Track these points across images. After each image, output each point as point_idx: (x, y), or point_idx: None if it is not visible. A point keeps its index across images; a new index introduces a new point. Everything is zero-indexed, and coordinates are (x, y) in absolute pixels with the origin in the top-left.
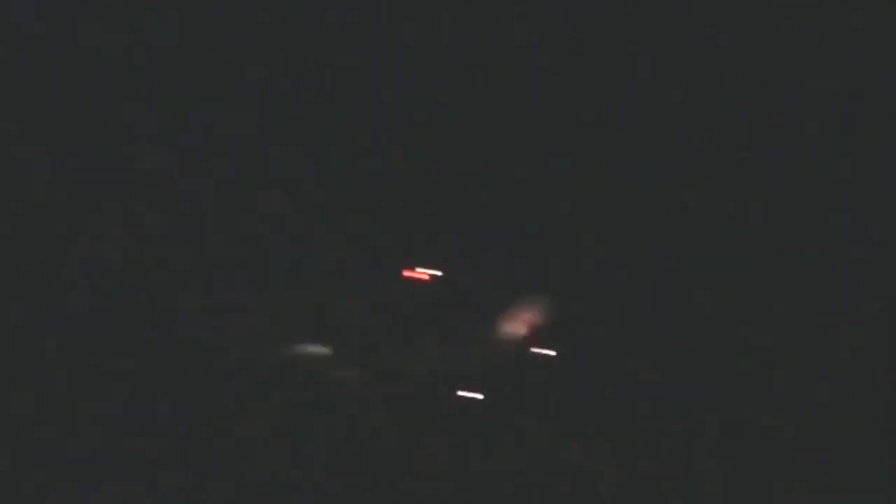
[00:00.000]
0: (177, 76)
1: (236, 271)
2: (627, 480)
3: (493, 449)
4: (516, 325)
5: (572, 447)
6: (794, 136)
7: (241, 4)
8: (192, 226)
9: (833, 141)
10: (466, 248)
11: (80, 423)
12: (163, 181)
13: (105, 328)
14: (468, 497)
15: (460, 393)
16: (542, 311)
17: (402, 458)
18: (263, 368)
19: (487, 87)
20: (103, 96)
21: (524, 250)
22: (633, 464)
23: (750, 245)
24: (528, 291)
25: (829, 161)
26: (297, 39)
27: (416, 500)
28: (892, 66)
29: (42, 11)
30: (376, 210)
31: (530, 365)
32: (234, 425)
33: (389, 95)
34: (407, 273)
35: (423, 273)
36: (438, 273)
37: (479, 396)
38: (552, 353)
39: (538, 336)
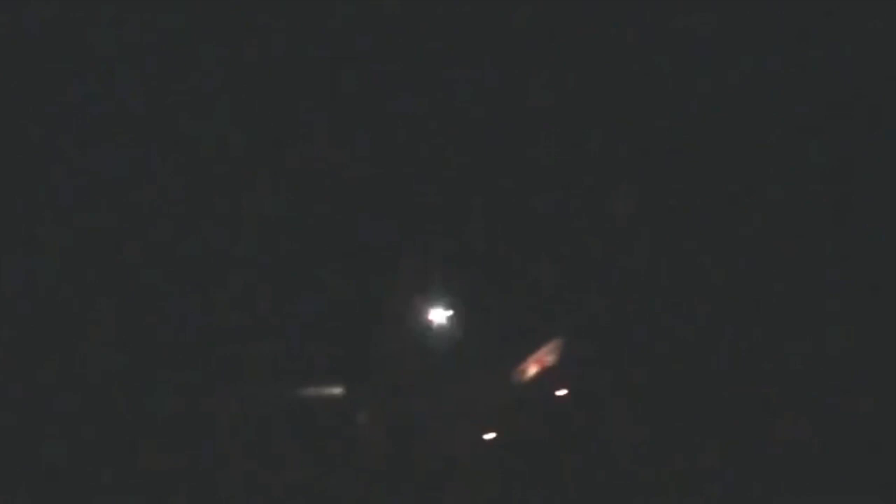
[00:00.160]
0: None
1: (249, 312)
2: None
3: (511, 491)
4: (532, 366)
5: (588, 485)
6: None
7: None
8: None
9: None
10: (481, 289)
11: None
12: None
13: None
14: None
15: (484, 436)
16: (558, 351)
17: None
18: (277, 410)
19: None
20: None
21: (539, 290)
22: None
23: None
24: (544, 332)
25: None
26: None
27: None
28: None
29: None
30: (393, 248)
31: (546, 405)
32: (246, 469)
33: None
34: (427, 314)
35: (440, 314)
36: (451, 313)
37: (493, 435)
38: (566, 391)
39: (554, 376)
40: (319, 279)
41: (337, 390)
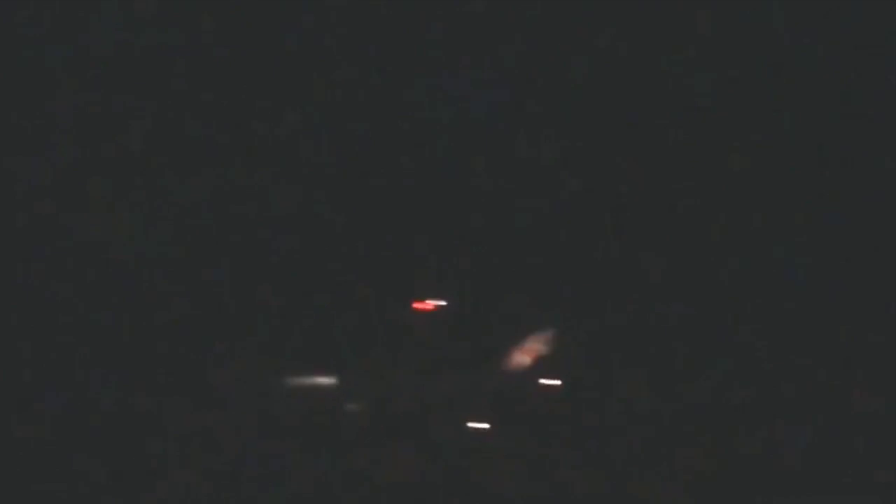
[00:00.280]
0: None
1: (244, 302)
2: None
3: (500, 477)
4: (524, 356)
5: (576, 473)
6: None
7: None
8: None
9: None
10: (474, 279)
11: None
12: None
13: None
14: None
15: (470, 424)
16: (550, 341)
17: (409, 488)
18: (271, 399)
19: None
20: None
21: (532, 281)
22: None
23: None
24: (536, 322)
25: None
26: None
27: None
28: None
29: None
30: (385, 240)
31: (537, 394)
32: (242, 455)
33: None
34: (417, 304)
35: (430, 304)
36: (444, 303)
37: (486, 426)
38: (558, 382)
39: (545, 366)
40: (310, 271)
41: (328, 380)
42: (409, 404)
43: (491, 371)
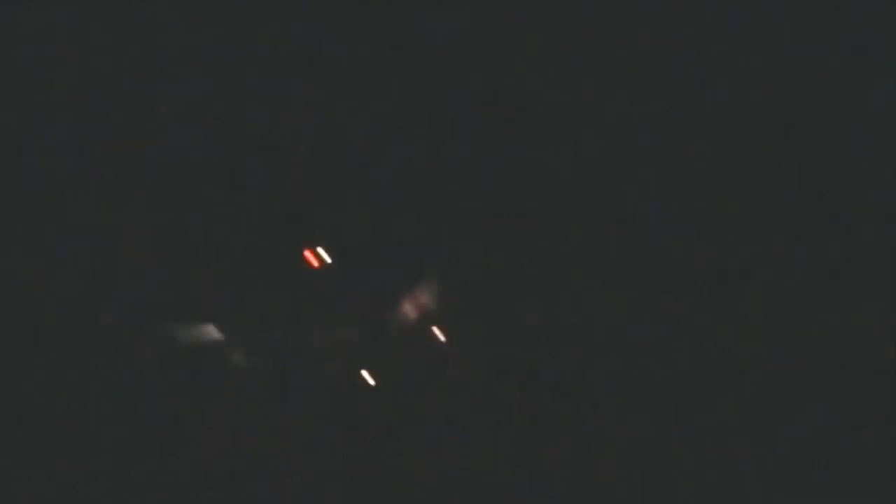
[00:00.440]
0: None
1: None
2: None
3: (387, 435)
4: (409, 308)
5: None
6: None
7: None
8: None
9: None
10: (362, 231)
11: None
12: None
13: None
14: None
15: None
16: (435, 294)
17: (294, 444)
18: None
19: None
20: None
21: (421, 233)
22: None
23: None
24: (422, 274)
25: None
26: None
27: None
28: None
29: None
30: (273, 190)
31: (422, 348)
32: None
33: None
34: (307, 254)
35: (318, 255)
36: (328, 258)
37: (372, 382)
38: (443, 336)
39: (430, 319)
40: (198, 223)
41: (213, 332)
42: (297, 357)
43: (376, 322)
